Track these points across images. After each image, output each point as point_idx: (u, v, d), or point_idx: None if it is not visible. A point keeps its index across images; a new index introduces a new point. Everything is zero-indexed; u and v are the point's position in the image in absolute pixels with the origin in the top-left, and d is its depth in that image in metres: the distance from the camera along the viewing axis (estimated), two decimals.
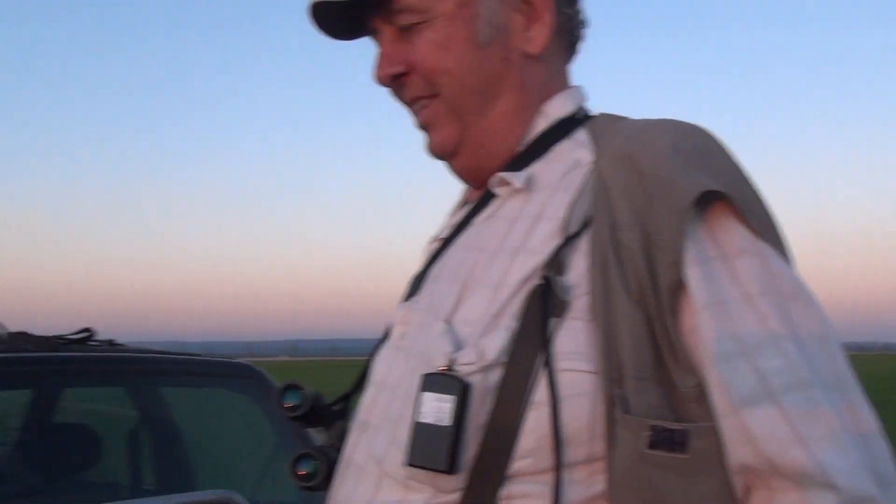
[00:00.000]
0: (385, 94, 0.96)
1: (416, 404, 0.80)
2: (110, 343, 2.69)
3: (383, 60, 0.94)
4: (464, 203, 1.02)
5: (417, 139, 0.99)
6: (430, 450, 0.78)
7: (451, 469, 0.77)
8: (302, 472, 0.97)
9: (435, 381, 0.80)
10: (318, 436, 1.04)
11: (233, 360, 2.84)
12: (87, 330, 2.61)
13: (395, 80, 0.94)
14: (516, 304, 0.81)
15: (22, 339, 2.43)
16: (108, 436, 2.95)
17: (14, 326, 2.49)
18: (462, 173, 0.99)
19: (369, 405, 0.93)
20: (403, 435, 0.82)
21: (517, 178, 0.90)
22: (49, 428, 3.07)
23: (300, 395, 1.00)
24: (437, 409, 0.78)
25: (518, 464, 0.78)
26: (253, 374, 2.69)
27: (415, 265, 1.02)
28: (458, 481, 0.78)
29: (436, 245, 0.99)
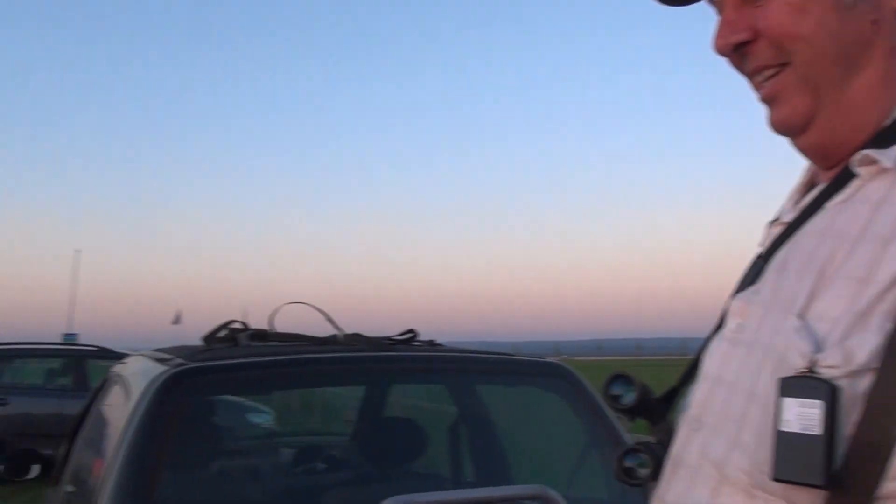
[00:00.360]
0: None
1: (777, 410, 0.70)
2: (431, 343, 2.85)
3: (725, 28, 0.84)
4: (809, 184, 0.89)
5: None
6: (801, 462, 0.68)
7: (827, 484, 0.67)
8: (629, 466, 0.91)
9: (797, 385, 0.69)
10: (630, 435, 1.02)
11: (545, 360, 2.87)
12: (411, 331, 2.79)
13: (737, 49, 0.84)
14: (890, 303, 0.69)
15: (356, 340, 2.64)
16: (430, 429, 3.13)
17: (349, 329, 2.71)
18: (810, 151, 0.86)
19: (703, 401, 0.83)
20: (748, 438, 0.74)
21: (886, 157, 0.77)
22: (380, 421, 3.32)
23: (629, 386, 0.93)
24: (803, 415, 0.68)
25: (892, 485, 0.67)
26: (565, 374, 2.68)
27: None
28: (816, 497, 0.69)
29: (778, 230, 0.86)
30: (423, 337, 2.83)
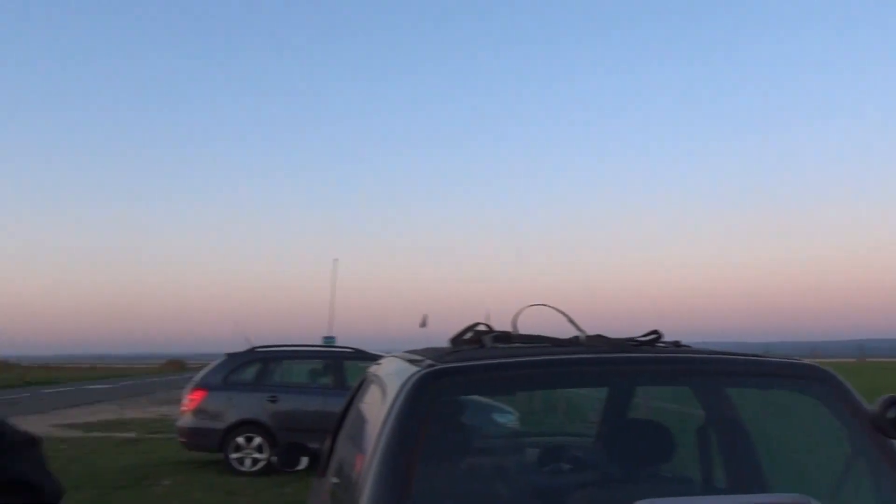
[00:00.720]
0: None
1: None
2: (676, 344, 2.78)
3: None
4: None
5: None
6: None
7: None
8: None
9: None
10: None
11: (802, 362, 2.71)
12: (655, 332, 2.74)
13: None
14: None
15: (598, 342, 2.64)
16: (677, 432, 3.05)
17: (591, 330, 2.71)
18: None
19: None
20: None
21: None
22: (624, 423, 3.28)
23: None
24: None
25: None
26: (825, 377, 2.49)
27: None
28: None
29: None
30: (668, 338, 2.77)
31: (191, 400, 11.96)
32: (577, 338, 2.69)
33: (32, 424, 18.50)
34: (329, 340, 19.02)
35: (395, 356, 3.04)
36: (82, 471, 11.53)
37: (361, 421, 2.95)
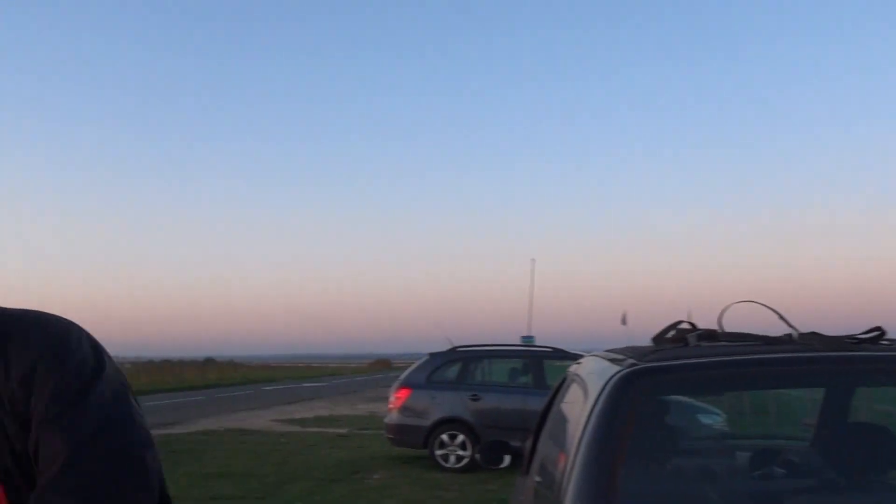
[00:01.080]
0: None
1: None
2: None
3: None
4: None
5: None
6: None
7: None
8: None
9: None
10: None
11: None
12: (878, 329, 2.57)
13: None
14: None
15: (813, 340, 2.51)
16: None
17: (804, 328, 2.57)
18: None
19: None
20: None
21: None
22: (845, 426, 3.09)
23: None
24: None
25: None
26: None
27: None
28: None
29: None
30: (893, 335, 2.58)
31: (397, 398, 12.41)
32: (789, 335, 2.56)
33: (256, 419, 19.94)
34: (528, 340, 19.16)
35: (596, 355, 3.02)
36: (301, 463, 12.28)
37: (563, 420, 2.95)
